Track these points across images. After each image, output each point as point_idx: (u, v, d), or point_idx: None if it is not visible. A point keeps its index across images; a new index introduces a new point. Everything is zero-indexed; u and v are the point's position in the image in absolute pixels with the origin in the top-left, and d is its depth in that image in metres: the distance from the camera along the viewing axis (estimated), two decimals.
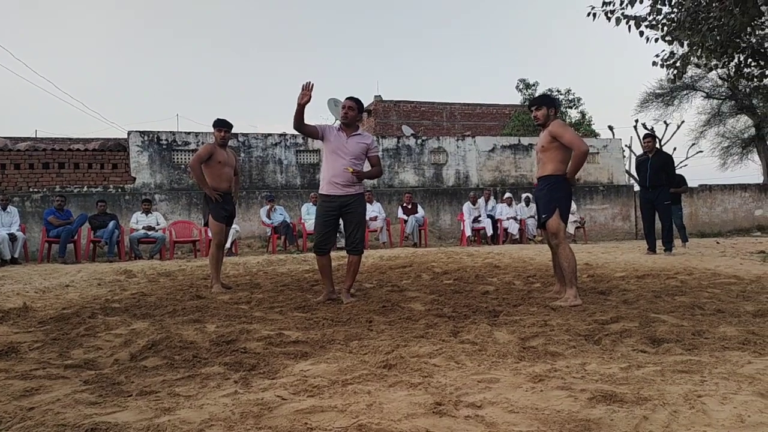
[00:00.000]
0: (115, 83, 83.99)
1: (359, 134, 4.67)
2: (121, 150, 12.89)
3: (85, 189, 12.22)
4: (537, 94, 25.33)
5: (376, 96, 27.35)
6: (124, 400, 2.14)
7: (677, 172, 10.46)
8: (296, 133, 4.75)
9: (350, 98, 4.66)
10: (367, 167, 4.72)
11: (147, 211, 10.81)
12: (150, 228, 10.55)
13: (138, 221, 10.64)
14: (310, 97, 4.31)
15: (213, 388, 2.27)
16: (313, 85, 4.32)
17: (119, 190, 12.48)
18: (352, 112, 4.60)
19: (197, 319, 3.75)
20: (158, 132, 13.00)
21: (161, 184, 12.82)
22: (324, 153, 4.67)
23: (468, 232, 12.63)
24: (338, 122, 4.69)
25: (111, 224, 10.13)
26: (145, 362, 2.72)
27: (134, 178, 12.66)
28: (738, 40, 9.66)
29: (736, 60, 10.13)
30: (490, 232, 12.77)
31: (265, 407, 1.98)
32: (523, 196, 13.89)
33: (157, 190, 12.66)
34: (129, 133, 12.89)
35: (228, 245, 9.54)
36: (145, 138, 12.81)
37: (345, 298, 4.52)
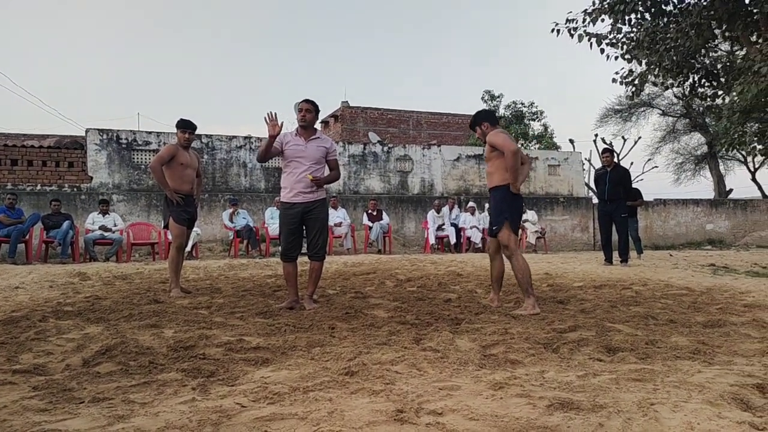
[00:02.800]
0: (75, 80, 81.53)
1: (318, 138, 4.62)
2: (78, 148, 12.49)
3: (39, 187, 11.80)
4: (501, 105, 25.79)
5: (343, 102, 27.37)
6: (75, 407, 2.06)
7: (634, 186, 10.81)
8: (262, 136, 4.77)
9: (306, 101, 4.60)
10: (327, 171, 4.70)
11: (104, 212, 10.50)
12: (106, 229, 10.25)
13: (94, 222, 10.32)
14: (281, 126, 4.36)
15: (170, 395, 2.21)
16: (276, 113, 4.37)
17: (75, 189, 12.09)
18: (310, 115, 4.55)
19: (154, 324, 3.66)
20: (118, 130, 12.67)
21: (120, 184, 12.49)
22: (283, 159, 4.60)
23: (432, 240, 12.72)
24: (295, 126, 4.68)
25: (65, 224, 9.79)
26: (99, 368, 2.63)
27: (91, 178, 12.29)
28: (693, 61, 10.09)
29: (690, 80, 10.56)
30: (453, 240, 12.90)
31: (224, 415, 1.94)
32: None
33: (115, 190, 12.32)
34: (87, 130, 12.52)
35: (188, 248, 9.35)
36: (104, 136, 12.47)
37: (308, 304, 4.48)
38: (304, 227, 4.65)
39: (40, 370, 2.60)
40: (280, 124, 4.37)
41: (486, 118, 4.63)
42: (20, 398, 2.15)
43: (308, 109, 4.53)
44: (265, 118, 4.38)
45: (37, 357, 2.83)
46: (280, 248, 4.68)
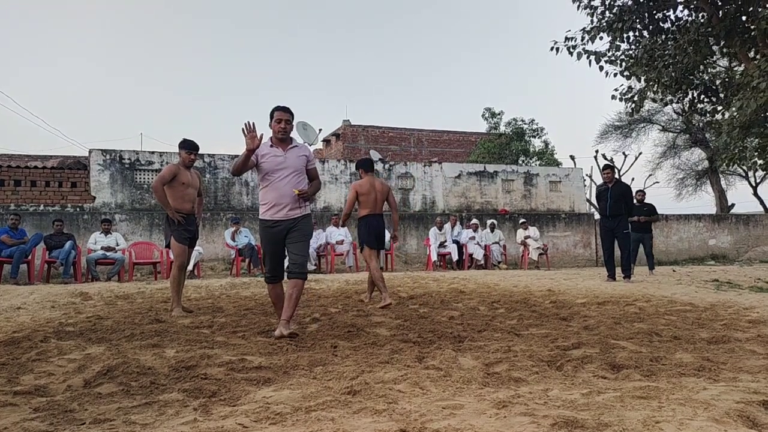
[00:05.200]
0: (78, 101, 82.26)
1: (296, 146, 4.21)
2: (81, 168, 12.56)
3: (42, 208, 11.84)
4: (502, 122, 25.90)
5: (344, 120, 27.53)
6: (76, 429, 2.05)
7: (648, 201, 10.87)
8: None
9: (281, 108, 4.15)
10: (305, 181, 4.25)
11: (106, 232, 10.51)
12: (109, 249, 10.26)
13: (96, 241, 10.33)
14: (260, 139, 3.90)
15: (171, 416, 2.20)
16: (254, 123, 3.88)
17: (78, 209, 12.13)
18: (289, 125, 4.16)
19: (156, 344, 3.65)
20: (121, 151, 12.75)
21: (122, 203, 12.53)
22: (259, 173, 4.16)
23: (434, 257, 12.70)
24: (269, 137, 4.20)
25: (68, 244, 9.80)
26: (100, 389, 2.62)
27: (94, 198, 12.34)
28: (692, 77, 10.15)
29: (690, 96, 10.62)
30: (455, 257, 12.87)
31: None
32: (488, 222, 14.10)
33: (117, 209, 12.36)
34: (90, 151, 12.60)
35: (190, 267, 9.36)
36: (107, 156, 12.54)
37: (284, 329, 3.86)
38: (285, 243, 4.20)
39: (41, 391, 2.59)
40: (259, 136, 3.88)
41: (361, 165, 6.26)
42: (21, 420, 2.14)
43: (287, 120, 4.13)
44: (243, 129, 3.87)
45: (38, 378, 2.82)
46: (265, 271, 4.30)
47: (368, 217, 6.06)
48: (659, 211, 11.18)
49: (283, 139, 4.14)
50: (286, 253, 4.23)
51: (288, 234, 4.13)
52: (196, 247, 8.13)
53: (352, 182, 14.41)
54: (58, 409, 2.30)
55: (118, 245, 10.46)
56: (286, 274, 4.30)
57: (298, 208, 4.13)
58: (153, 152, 13.17)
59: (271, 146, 4.12)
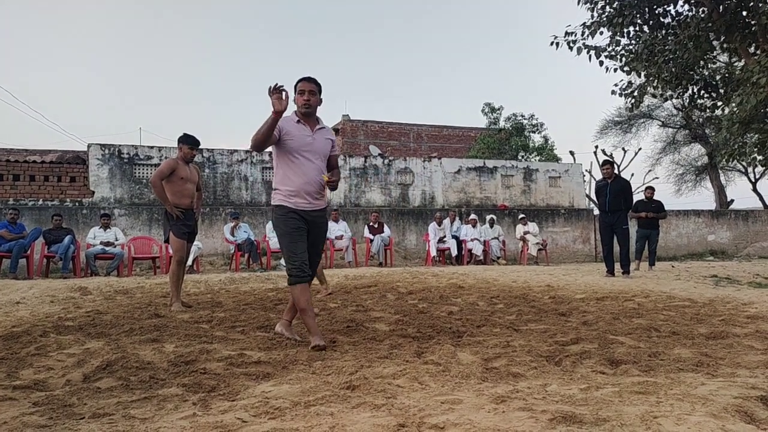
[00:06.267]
0: (77, 96, 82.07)
1: (324, 128, 3.67)
2: (80, 163, 12.55)
3: (41, 202, 11.83)
4: (502, 117, 25.84)
5: (344, 115, 27.49)
6: (75, 423, 2.05)
7: (656, 198, 10.90)
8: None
9: (305, 78, 3.56)
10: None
11: (105, 226, 10.51)
12: (108, 243, 10.26)
13: (95, 236, 10.33)
14: (287, 100, 3.33)
15: (170, 411, 2.20)
16: (282, 86, 3.33)
17: (77, 204, 12.12)
18: (315, 98, 3.57)
19: (155, 339, 3.65)
20: (120, 145, 12.73)
21: (121, 198, 12.52)
22: (280, 152, 3.55)
23: (433, 253, 12.71)
24: (293, 111, 3.63)
25: (66, 239, 9.80)
26: (99, 383, 2.62)
27: (93, 192, 12.33)
28: (692, 73, 10.14)
29: (689, 91, 10.62)
30: (454, 252, 12.88)
31: (225, 430, 1.93)
32: (488, 217, 14.10)
33: (116, 204, 12.35)
34: (89, 145, 12.59)
35: (189, 262, 9.35)
36: (106, 151, 12.52)
37: (288, 332, 3.59)
38: None
39: (40, 385, 2.59)
40: (284, 97, 3.32)
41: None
42: (20, 414, 2.14)
43: (312, 92, 3.55)
44: (269, 89, 3.29)
45: (37, 372, 2.82)
46: (286, 268, 3.58)
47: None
48: None
49: (308, 115, 3.57)
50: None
51: (310, 233, 3.59)
52: (195, 242, 8.13)
53: (351, 177, 14.44)
54: (57, 403, 2.30)
55: (117, 240, 10.46)
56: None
57: (322, 197, 3.62)
58: (152, 147, 13.15)
59: (297, 122, 3.55)
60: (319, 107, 3.63)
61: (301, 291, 3.47)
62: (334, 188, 3.65)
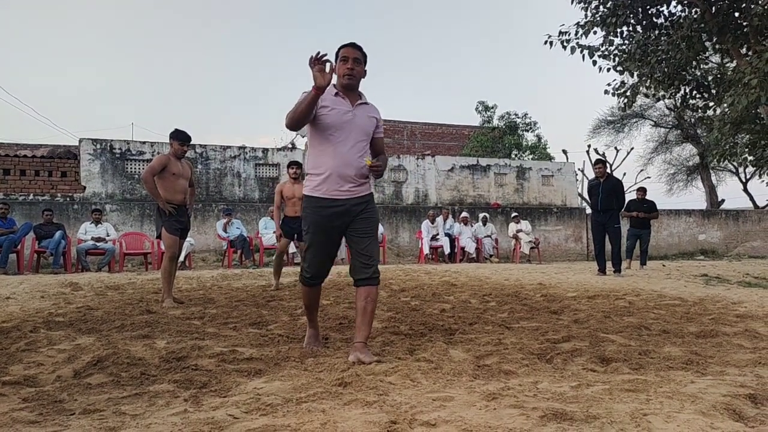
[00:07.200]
0: (68, 90, 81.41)
1: (366, 103, 3.14)
2: (72, 158, 12.46)
3: (31, 197, 11.74)
4: (495, 116, 25.89)
5: None
6: (66, 419, 2.04)
7: (648, 198, 10.96)
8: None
9: (353, 45, 3.06)
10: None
11: (97, 222, 10.46)
12: (99, 239, 10.20)
13: (87, 232, 10.27)
14: (331, 75, 2.92)
15: (161, 407, 2.20)
16: (325, 55, 2.89)
17: (68, 199, 12.04)
18: (360, 67, 3.06)
19: (146, 335, 3.64)
20: (111, 140, 12.66)
21: (113, 193, 12.45)
22: (314, 131, 3.05)
23: (426, 250, 12.73)
24: (332, 84, 3.06)
25: (57, 234, 9.74)
26: (90, 379, 2.61)
27: (84, 187, 12.25)
28: (684, 73, 10.20)
29: (682, 91, 10.67)
30: (447, 250, 12.91)
31: (216, 426, 1.93)
32: (480, 215, 14.14)
33: (108, 200, 12.28)
34: (80, 140, 12.50)
35: (181, 258, 9.32)
36: (98, 146, 12.44)
37: (366, 356, 2.86)
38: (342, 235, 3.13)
39: (30, 381, 2.57)
40: (329, 70, 2.91)
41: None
42: (10, 410, 2.13)
43: (356, 59, 3.04)
44: (310, 60, 2.85)
45: (27, 368, 2.80)
46: (302, 266, 3.18)
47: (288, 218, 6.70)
48: None
49: (349, 87, 3.06)
50: (346, 249, 3.31)
51: (353, 223, 3.04)
52: (188, 238, 8.10)
53: None
54: (47, 399, 2.29)
55: (108, 236, 10.40)
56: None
57: (363, 183, 3.07)
58: (144, 142, 13.07)
59: (336, 95, 3.05)
60: (363, 80, 3.12)
61: (310, 292, 3.22)
62: (379, 175, 3.11)
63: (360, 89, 3.13)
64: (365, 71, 3.10)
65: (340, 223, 3.02)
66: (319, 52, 2.84)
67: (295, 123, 2.93)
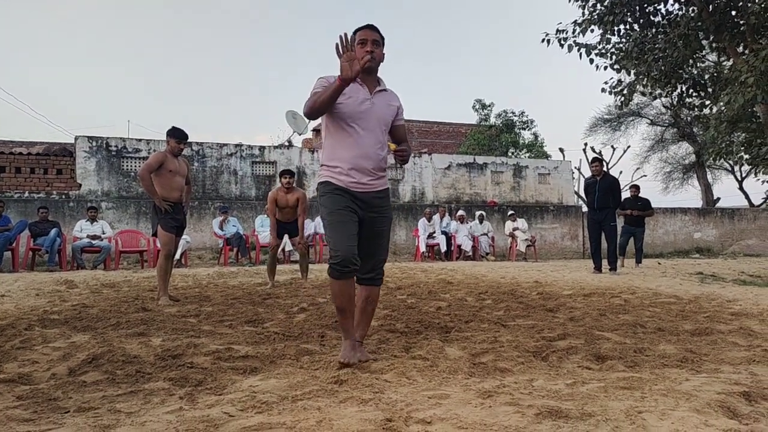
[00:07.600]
0: (64, 87, 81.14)
1: (385, 90, 2.98)
2: (67, 155, 12.42)
3: (27, 194, 11.70)
4: (492, 114, 25.91)
5: None
6: (60, 417, 2.03)
7: (642, 195, 11.00)
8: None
9: (370, 27, 2.88)
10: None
11: (93, 219, 10.43)
12: (95, 237, 10.17)
13: (82, 229, 10.24)
14: (359, 68, 2.73)
15: (156, 405, 2.19)
16: (352, 38, 2.77)
17: (63, 196, 11.99)
18: (379, 50, 2.88)
19: (142, 333, 3.63)
20: (107, 138, 12.61)
21: (109, 191, 12.41)
22: (330, 121, 2.88)
23: (422, 248, 12.74)
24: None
25: (53, 232, 9.71)
26: (85, 377, 2.60)
27: (80, 185, 12.21)
28: (681, 71, 10.21)
29: (678, 90, 10.69)
30: (444, 248, 12.92)
31: (211, 424, 1.92)
32: (477, 213, 14.15)
33: (104, 197, 12.24)
34: (76, 138, 12.45)
35: (177, 256, 9.31)
36: (94, 143, 12.40)
37: (362, 355, 2.81)
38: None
39: (25, 379, 2.57)
40: (364, 62, 2.76)
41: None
42: (4, 408, 2.12)
43: (376, 41, 2.85)
44: (336, 45, 2.67)
45: (22, 366, 2.80)
46: (330, 256, 2.80)
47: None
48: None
49: (368, 71, 2.86)
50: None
51: (368, 218, 2.89)
52: (184, 236, 8.08)
53: None
54: (42, 397, 2.28)
55: (104, 233, 10.38)
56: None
57: (382, 176, 2.95)
58: (140, 140, 13.04)
59: (354, 81, 2.82)
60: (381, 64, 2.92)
61: (340, 288, 2.77)
62: (404, 161, 2.99)
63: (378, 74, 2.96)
64: (383, 54, 2.92)
65: (357, 207, 2.85)
66: (347, 34, 2.66)
67: (314, 113, 2.80)
